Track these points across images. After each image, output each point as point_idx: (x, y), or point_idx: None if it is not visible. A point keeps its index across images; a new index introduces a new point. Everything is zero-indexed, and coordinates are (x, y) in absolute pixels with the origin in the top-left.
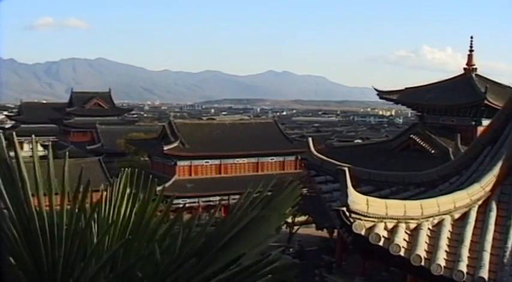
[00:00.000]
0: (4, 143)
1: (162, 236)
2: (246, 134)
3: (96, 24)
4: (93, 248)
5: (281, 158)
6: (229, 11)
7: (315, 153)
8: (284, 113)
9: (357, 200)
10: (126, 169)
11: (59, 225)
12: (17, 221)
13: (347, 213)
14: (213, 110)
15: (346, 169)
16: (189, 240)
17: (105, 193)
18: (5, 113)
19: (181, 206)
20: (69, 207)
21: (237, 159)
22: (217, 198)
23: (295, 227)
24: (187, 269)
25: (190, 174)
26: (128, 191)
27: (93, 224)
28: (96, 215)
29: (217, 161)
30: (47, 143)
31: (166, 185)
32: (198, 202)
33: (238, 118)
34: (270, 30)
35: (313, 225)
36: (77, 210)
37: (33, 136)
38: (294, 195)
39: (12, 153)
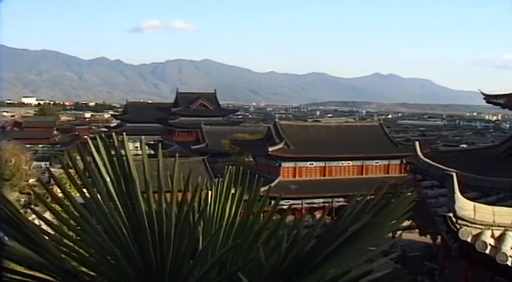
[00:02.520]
0: (116, 142)
1: (268, 238)
2: (351, 137)
3: (202, 26)
4: (202, 248)
5: (386, 162)
6: (336, 13)
7: (422, 157)
8: (389, 116)
9: (464, 206)
10: (230, 167)
11: (168, 223)
12: (126, 218)
13: (454, 219)
14: (318, 112)
15: (454, 174)
16: (296, 243)
17: (210, 192)
18: (111, 112)
19: (284, 207)
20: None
21: (342, 162)
22: (321, 200)
23: (399, 232)
24: (294, 272)
25: (294, 176)
26: (232, 190)
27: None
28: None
29: (321, 163)
30: (152, 142)
31: (271, 185)
32: (302, 204)
33: (344, 120)
34: (377, 33)
35: (417, 230)
36: (186, 209)
37: (142, 137)
38: (407, 201)
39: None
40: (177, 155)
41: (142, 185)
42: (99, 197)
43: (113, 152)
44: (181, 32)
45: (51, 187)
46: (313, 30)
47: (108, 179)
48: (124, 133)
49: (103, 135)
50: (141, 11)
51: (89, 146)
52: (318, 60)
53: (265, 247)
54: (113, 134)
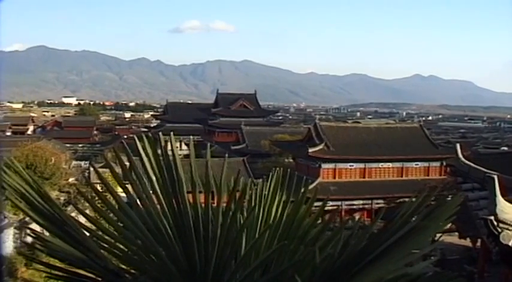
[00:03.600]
0: (162, 141)
1: (314, 238)
2: (391, 138)
3: (242, 26)
4: (247, 249)
5: (426, 164)
6: (376, 14)
7: (463, 159)
8: (430, 117)
9: (506, 209)
10: (277, 169)
11: (214, 225)
12: (171, 217)
13: (495, 223)
14: (358, 114)
15: (495, 177)
16: (349, 244)
17: (252, 192)
18: (151, 112)
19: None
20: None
21: (382, 164)
22: (361, 202)
23: (438, 235)
24: (343, 273)
25: (334, 177)
26: (278, 192)
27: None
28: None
29: (361, 165)
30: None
31: (310, 187)
32: (341, 205)
33: (384, 122)
34: (417, 33)
35: (456, 233)
36: (232, 211)
37: (191, 137)
38: (454, 205)
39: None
40: (226, 156)
41: (186, 185)
42: (145, 196)
43: (159, 152)
44: (222, 32)
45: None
46: (353, 31)
47: (154, 178)
48: (171, 133)
49: (149, 134)
50: (181, 12)
51: (135, 145)
52: (358, 61)
53: (312, 248)
54: (160, 133)
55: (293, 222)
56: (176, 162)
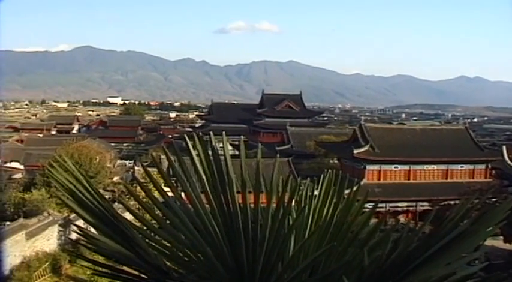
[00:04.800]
0: (214, 141)
1: (364, 240)
2: (437, 140)
3: (287, 27)
4: (295, 251)
5: (471, 166)
6: (421, 15)
7: (509, 162)
8: (475, 119)
9: None
10: (329, 171)
11: (263, 226)
12: (220, 217)
13: None
14: (403, 115)
15: None
16: (397, 247)
17: (302, 194)
18: (196, 112)
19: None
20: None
21: (426, 166)
22: (405, 204)
23: None
24: (390, 277)
25: (378, 179)
26: (330, 193)
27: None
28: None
29: (406, 167)
30: (236, 143)
31: (355, 188)
32: (386, 207)
33: (429, 124)
34: (463, 34)
35: (501, 237)
36: (282, 213)
37: (241, 137)
38: (505, 209)
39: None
40: (278, 156)
41: (236, 185)
42: (194, 195)
43: (209, 152)
44: (267, 33)
45: (135, 185)
46: (400, 31)
47: (204, 177)
48: (223, 132)
49: (200, 133)
50: (226, 13)
51: (186, 144)
52: (404, 62)
53: (361, 250)
54: (210, 133)
55: (343, 224)
56: (227, 161)
